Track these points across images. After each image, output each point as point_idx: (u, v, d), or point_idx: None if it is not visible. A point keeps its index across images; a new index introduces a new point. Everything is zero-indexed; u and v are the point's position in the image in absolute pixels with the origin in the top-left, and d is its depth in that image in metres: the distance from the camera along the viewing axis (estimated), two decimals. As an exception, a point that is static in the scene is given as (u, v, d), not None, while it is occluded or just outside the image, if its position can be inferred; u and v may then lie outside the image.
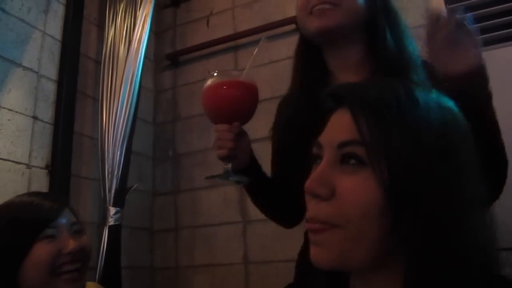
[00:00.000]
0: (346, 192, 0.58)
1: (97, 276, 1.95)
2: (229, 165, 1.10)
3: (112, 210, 2.08)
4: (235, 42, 2.57)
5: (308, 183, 0.61)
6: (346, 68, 1.12)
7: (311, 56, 1.19)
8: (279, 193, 1.23)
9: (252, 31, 2.43)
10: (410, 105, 0.59)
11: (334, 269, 0.61)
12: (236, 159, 1.10)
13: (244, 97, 1.10)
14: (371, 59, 1.10)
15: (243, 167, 1.13)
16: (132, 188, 2.22)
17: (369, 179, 0.57)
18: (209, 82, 1.11)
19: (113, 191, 2.11)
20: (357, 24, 1.10)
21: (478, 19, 1.67)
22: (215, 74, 1.12)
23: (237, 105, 1.09)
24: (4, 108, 1.82)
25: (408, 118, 0.58)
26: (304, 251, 1.14)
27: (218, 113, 1.11)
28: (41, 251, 1.09)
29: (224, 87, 1.09)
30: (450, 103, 0.63)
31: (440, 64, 0.94)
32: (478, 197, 0.58)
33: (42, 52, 2.03)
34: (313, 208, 0.60)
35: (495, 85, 1.60)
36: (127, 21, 2.36)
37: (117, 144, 2.16)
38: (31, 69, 1.96)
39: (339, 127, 0.62)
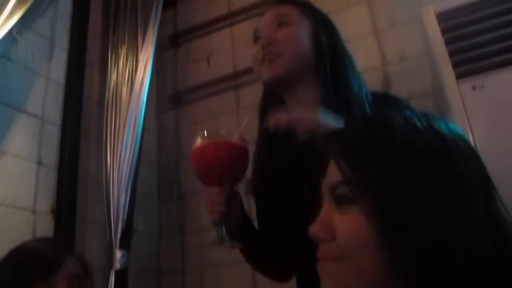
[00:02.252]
0: (341, 231, 0.61)
1: (104, 321, 1.91)
2: (223, 229, 1.06)
3: (119, 254, 2.06)
4: (236, 80, 2.60)
5: (311, 228, 0.65)
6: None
7: (273, 104, 1.20)
8: (270, 249, 1.22)
9: (252, 69, 2.46)
10: (385, 137, 0.61)
11: None
12: (228, 221, 1.08)
13: (234, 159, 1.07)
14: (324, 100, 1.12)
15: (236, 227, 1.11)
16: (138, 231, 2.20)
17: (358, 214, 0.59)
18: (197, 142, 1.08)
19: (119, 234, 2.09)
20: (307, 67, 1.14)
21: (476, 46, 1.71)
22: (204, 134, 1.09)
23: (227, 167, 1.06)
24: (9, 154, 1.82)
25: (384, 150, 0.60)
26: None
27: (207, 175, 1.08)
28: None
29: (213, 148, 1.06)
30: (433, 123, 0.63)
31: None
32: (479, 214, 0.57)
33: (46, 97, 2.06)
34: (320, 249, 0.64)
35: (496, 109, 1.62)
36: (129, 64, 2.40)
37: (122, 186, 2.16)
38: (35, 115, 1.98)
39: (330, 172, 0.66)
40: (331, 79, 1.11)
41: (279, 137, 1.16)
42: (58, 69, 2.17)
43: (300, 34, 1.15)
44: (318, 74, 1.14)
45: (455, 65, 1.75)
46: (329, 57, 1.14)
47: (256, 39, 1.21)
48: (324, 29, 1.19)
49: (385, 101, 1.14)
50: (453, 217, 0.55)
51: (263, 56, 1.13)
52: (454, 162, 0.59)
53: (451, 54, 1.77)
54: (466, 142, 0.62)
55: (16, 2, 1.88)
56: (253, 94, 2.50)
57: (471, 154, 0.62)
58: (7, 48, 1.85)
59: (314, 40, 1.15)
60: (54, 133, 2.07)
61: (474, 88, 1.70)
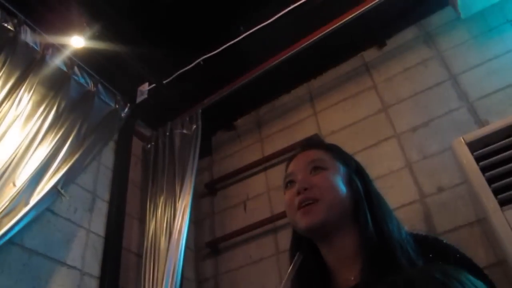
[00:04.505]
0: None
1: None
2: None
3: None
4: (273, 224, 2.58)
5: None
6: (343, 259, 1.09)
7: (307, 251, 1.15)
8: None
9: (289, 211, 2.46)
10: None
11: None
12: None
13: None
14: (364, 247, 1.06)
15: None
16: None
17: None
18: None
19: None
20: (344, 213, 1.09)
21: (505, 174, 1.69)
22: None
23: None
24: (46, 309, 1.80)
25: None
26: None
27: None
28: None
29: None
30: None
31: None
32: None
33: (86, 249, 2.08)
34: None
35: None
36: (167, 213, 2.44)
37: None
38: (74, 267, 1.99)
39: None
40: (365, 224, 1.06)
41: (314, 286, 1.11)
42: (99, 220, 2.23)
43: (336, 179, 1.12)
44: (355, 221, 1.09)
45: (496, 193, 1.71)
46: (367, 205, 1.10)
47: (288, 184, 1.19)
48: (356, 173, 1.18)
49: (426, 246, 1.07)
50: None
51: (300, 202, 1.10)
52: None
53: (490, 181, 1.73)
54: None
55: (62, 158, 2.01)
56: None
57: None
58: (52, 201, 1.93)
59: (349, 185, 1.13)
60: (92, 286, 2.05)
61: (520, 214, 1.64)
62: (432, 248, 1.03)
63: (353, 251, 1.07)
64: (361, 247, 1.06)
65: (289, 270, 1.07)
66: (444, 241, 1.09)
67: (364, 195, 1.12)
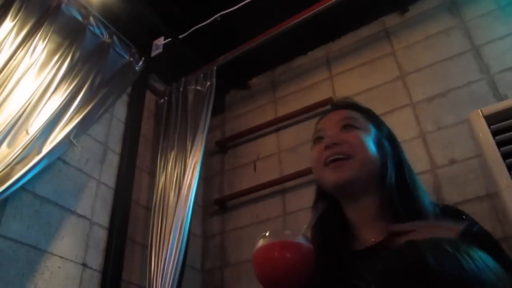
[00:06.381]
0: None
1: None
2: None
3: None
4: (282, 185, 2.59)
5: None
6: (366, 219, 1.09)
7: (329, 208, 1.13)
8: None
9: (298, 174, 2.46)
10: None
11: None
12: None
13: (304, 260, 0.95)
14: (388, 208, 1.06)
15: None
16: None
17: None
18: (260, 243, 0.97)
19: None
20: (372, 174, 1.08)
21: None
22: (267, 234, 0.97)
23: (294, 270, 0.93)
24: (55, 255, 1.84)
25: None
26: None
27: (272, 279, 0.95)
28: None
29: (279, 248, 0.94)
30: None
31: None
32: None
33: (96, 200, 2.11)
34: None
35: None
36: (178, 169, 2.45)
37: (165, 292, 2.09)
38: (84, 217, 2.02)
39: None
40: (397, 190, 1.06)
41: (337, 243, 1.10)
42: (109, 172, 2.25)
43: (368, 139, 1.11)
44: (380, 183, 1.08)
45: (510, 168, 1.68)
46: (394, 168, 1.09)
47: (316, 140, 1.17)
48: (388, 139, 1.16)
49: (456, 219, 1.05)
50: None
51: (327, 156, 1.08)
52: None
53: (505, 156, 1.71)
54: None
55: (75, 109, 2.01)
56: (299, 199, 2.51)
57: None
58: (64, 151, 1.95)
59: (380, 148, 1.11)
60: (101, 236, 2.09)
61: (533, 191, 1.62)
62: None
63: (376, 212, 1.07)
64: (385, 209, 1.06)
65: (312, 216, 1.07)
66: (471, 217, 1.08)
67: (395, 161, 1.11)
